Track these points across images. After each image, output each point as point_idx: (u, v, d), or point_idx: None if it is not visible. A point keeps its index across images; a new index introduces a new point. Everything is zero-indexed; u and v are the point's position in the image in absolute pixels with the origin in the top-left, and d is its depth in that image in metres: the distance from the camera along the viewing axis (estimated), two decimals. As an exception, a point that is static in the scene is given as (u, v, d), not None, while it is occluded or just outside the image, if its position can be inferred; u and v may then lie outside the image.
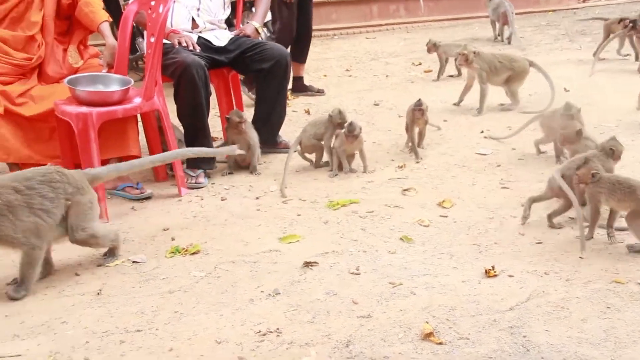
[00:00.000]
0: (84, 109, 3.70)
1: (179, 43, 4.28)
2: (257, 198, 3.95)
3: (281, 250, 3.25)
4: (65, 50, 4.15)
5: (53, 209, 2.90)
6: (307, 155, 4.44)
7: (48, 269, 3.07)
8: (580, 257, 3.03)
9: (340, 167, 4.27)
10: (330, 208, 3.74)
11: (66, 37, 4.19)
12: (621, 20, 6.79)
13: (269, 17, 6.24)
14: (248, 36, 4.61)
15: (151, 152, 4.28)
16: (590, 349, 2.35)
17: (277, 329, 2.56)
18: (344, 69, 7.54)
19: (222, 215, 3.72)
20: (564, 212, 3.38)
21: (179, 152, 3.84)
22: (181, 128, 4.37)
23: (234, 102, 4.79)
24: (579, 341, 2.40)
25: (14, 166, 3.95)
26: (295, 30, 6.04)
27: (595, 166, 3.24)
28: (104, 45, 4.10)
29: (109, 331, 2.59)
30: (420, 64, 7.50)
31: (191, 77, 4.07)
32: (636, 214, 3.05)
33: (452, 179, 4.12)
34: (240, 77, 5.09)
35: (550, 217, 3.40)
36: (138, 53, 6.17)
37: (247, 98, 5.68)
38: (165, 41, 4.13)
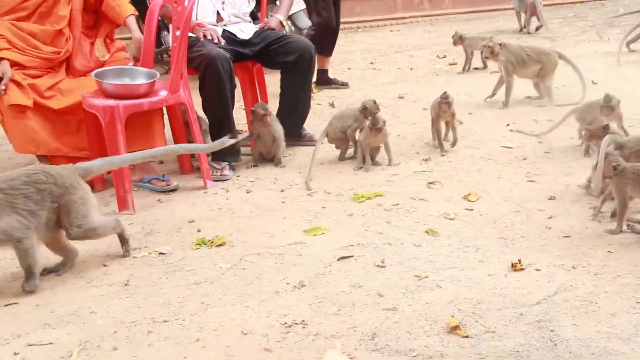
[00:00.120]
0: (111, 102, 3.73)
1: (204, 36, 4.30)
2: (282, 190, 3.96)
3: (306, 243, 3.25)
4: (92, 44, 4.19)
5: (38, 210, 2.84)
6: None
7: (69, 255, 3.09)
8: (608, 252, 3.00)
9: (364, 161, 4.27)
10: (355, 201, 3.73)
11: (93, 31, 4.24)
12: None
13: (295, 9, 6.26)
14: (272, 29, 4.62)
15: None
16: (619, 344, 2.33)
17: (303, 320, 2.57)
18: (368, 62, 7.51)
19: (247, 207, 3.74)
20: (625, 209, 3.20)
21: (170, 148, 3.68)
22: (206, 120, 4.40)
23: (258, 95, 4.80)
24: (608, 336, 2.38)
25: (43, 158, 4.00)
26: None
27: (615, 159, 3.20)
28: (130, 38, 4.14)
29: (137, 321, 2.62)
30: (444, 56, 7.45)
31: (216, 70, 4.09)
32: None
33: (478, 172, 4.09)
34: None
35: (612, 215, 3.31)
36: (163, 46, 6.21)
37: (272, 91, 5.69)
38: (190, 34, 4.16)
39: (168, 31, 5.10)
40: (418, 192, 3.82)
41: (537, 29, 8.22)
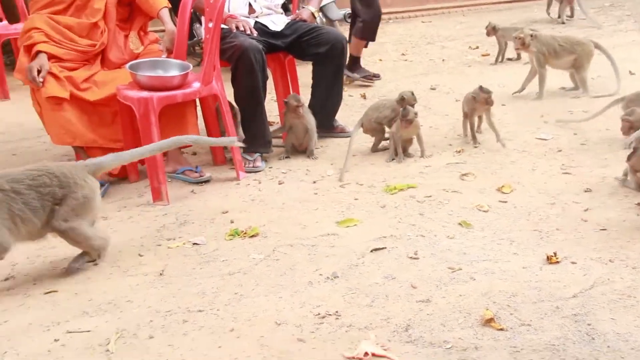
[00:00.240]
0: (145, 94, 3.77)
1: (237, 28, 4.31)
2: (314, 182, 3.97)
3: (339, 234, 3.26)
4: (126, 36, 4.23)
5: (33, 217, 2.80)
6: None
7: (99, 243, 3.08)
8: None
9: (396, 153, 4.25)
10: (387, 192, 3.72)
11: (127, 24, 4.28)
12: None
13: (326, 0, 6.24)
14: (304, 20, 4.62)
15: (209, 136, 4.35)
16: (658, 339, 2.29)
17: (336, 312, 2.57)
18: (399, 53, 7.46)
19: (280, 198, 3.75)
20: None
21: (176, 140, 3.45)
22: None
23: (290, 87, 4.81)
24: (646, 330, 2.34)
25: (79, 150, 4.06)
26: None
27: None
28: (163, 31, 4.17)
29: (172, 311, 2.65)
30: (477, 47, 7.37)
31: (249, 61, 4.10)
32: None
33: (512, 164, 4.04)
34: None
35: None
36: (195, 39, 6.25)
37: (304, 82, 5.69)
38: (222, 26, 4.17)
39: (200, 23, 5.13)
40: (451, 184, 3.80)
41: (584, 14, 7.98)
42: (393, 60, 7.20)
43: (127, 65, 3.91)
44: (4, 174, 2.85)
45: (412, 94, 4.41)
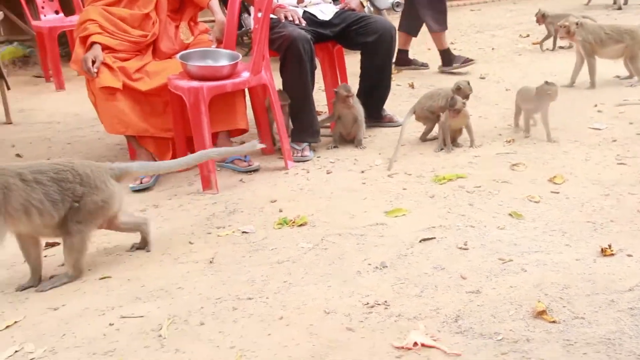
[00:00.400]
0: (195, 84, 3.82)
1: (285, 17, 4.32)
2: (363, 172, 3.96)
3: (387, 224, 3.25)
4: (177, 27, 4.28)
5: (52, 210, 2.76)
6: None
7: (141, 228, 3.15)
8: None
9: (445, 143, 4.20)
10: (436, 182, 3.69)
11: (178, 15, 4.33)
12: None
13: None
14: (352, 10, 4.60)
15: (258, 126, 4.39)
16: None
17: (385, 301, 2.57)
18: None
19: (328, 188, 3.76)
20: None
21: (202, 154, 3.44)
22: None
23: (338, 76, 4.80)
24: None
25: (131, 139, 4.14)
26: None
27: None
28: (213, 21, 4.21)
29: (222, 298, 2.69)
30: (528, 35, 7.23)
31: (297, 51, 4.11)
32: None
33: (564, 154, 3.96)
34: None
35: None
36: (244, 29, 6.28)
37: (352, 72, 5.68)
38: (271, 16, 4.19)
39: (249, 13, 5.14)
40: (501, 174, 3.74)
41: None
42: (442, 49, 7.10)
43: (178, 56, 3.96)
44: (29, 164, 2.83)
45: (468, 83, 4.38)
